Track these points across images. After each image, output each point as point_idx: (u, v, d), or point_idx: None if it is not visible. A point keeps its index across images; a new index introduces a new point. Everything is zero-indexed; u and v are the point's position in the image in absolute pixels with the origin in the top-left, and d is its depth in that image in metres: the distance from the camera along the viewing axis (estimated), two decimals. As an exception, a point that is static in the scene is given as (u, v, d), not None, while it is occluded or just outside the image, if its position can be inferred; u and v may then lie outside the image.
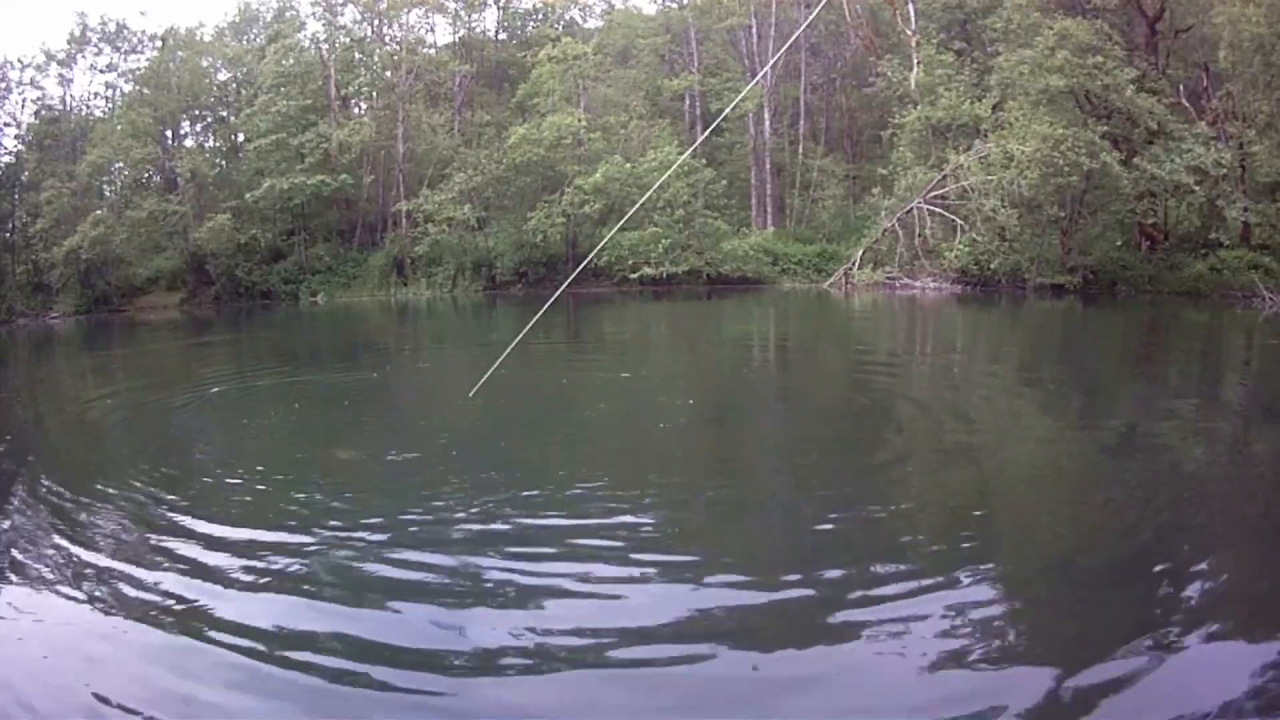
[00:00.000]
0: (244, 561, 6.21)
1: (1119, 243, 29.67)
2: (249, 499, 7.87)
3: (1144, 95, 26.55)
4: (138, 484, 8.37)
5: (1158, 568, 5.71)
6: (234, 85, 43.53)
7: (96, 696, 4.48)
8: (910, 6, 35.71)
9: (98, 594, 5.79)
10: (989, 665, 4.52)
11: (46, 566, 6.38)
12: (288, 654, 4.88)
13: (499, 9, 45.74)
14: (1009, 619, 5.09)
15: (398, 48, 41.74)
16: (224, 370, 18.63)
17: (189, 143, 43.63)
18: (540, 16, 45.55)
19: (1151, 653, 4.56)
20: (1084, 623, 4.98)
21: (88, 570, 6.22)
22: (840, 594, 5.37)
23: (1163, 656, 4.53)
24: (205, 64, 43.40)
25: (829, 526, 6.62)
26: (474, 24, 44.74)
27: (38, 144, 40.36)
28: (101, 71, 42.64)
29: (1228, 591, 5.40)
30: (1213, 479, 7.94)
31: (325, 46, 40.91)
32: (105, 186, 40.72)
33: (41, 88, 41.55)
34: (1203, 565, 5.75)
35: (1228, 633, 4.80)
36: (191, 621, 5.30)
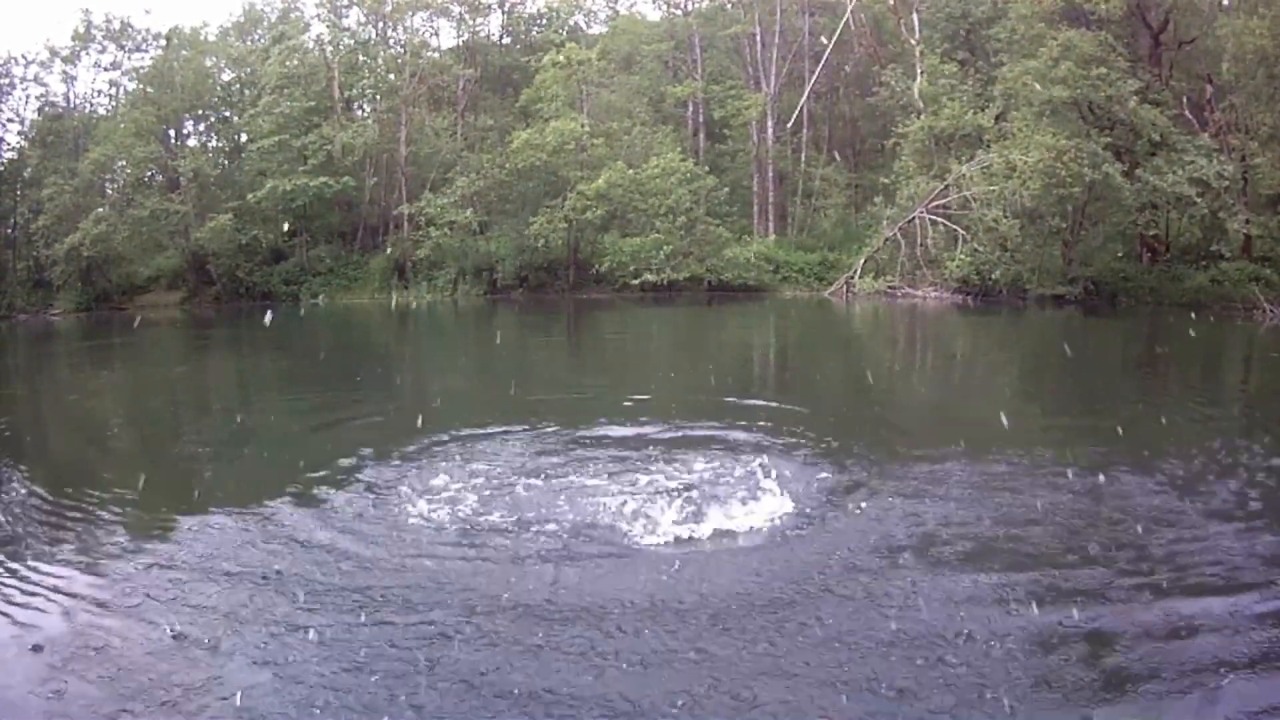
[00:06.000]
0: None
1: (1120, 254, 29.69)
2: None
3: (1147, 107, 26.60)
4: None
5: (1158, 580, 5.65)
6: (237, 85, 43.49)
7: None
8: (914, 16, 35.77)
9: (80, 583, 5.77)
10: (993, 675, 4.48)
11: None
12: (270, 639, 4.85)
13: (503, 14, 45.81)
14: (1011, 627, 5.04)
15: (402, 51, 41.77)
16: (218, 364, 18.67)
17: (192, 142, 43.53)
18: (544, 22, 45.58)
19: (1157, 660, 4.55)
20: (1085, 631, 4.94)
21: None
22: (843, 605, 5.31)
23: (1167, 666, 4.52)
24: (209, 64, 43.37)
25: (831, 539, 6.59)
26: (478, 28, 44.73)
27: (41, 141, 40.35)
28: (105, 69, 42.74)
29: (1232, 599, 5.34)
30: (1215, 490, 7.87)
31: (329, 48, 40.92)
32: (107, 184, 40.63)
33: (45, 84, 41.70)
34: (1206, 573, 5.71)
35: (1232, 640, 4.76)
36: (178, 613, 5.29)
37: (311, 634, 4.94)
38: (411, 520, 6.82)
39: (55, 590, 5.68)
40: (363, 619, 5.15)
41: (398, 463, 8.62)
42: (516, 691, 4.33)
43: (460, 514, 6.92)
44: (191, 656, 4.75)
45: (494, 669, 4.55)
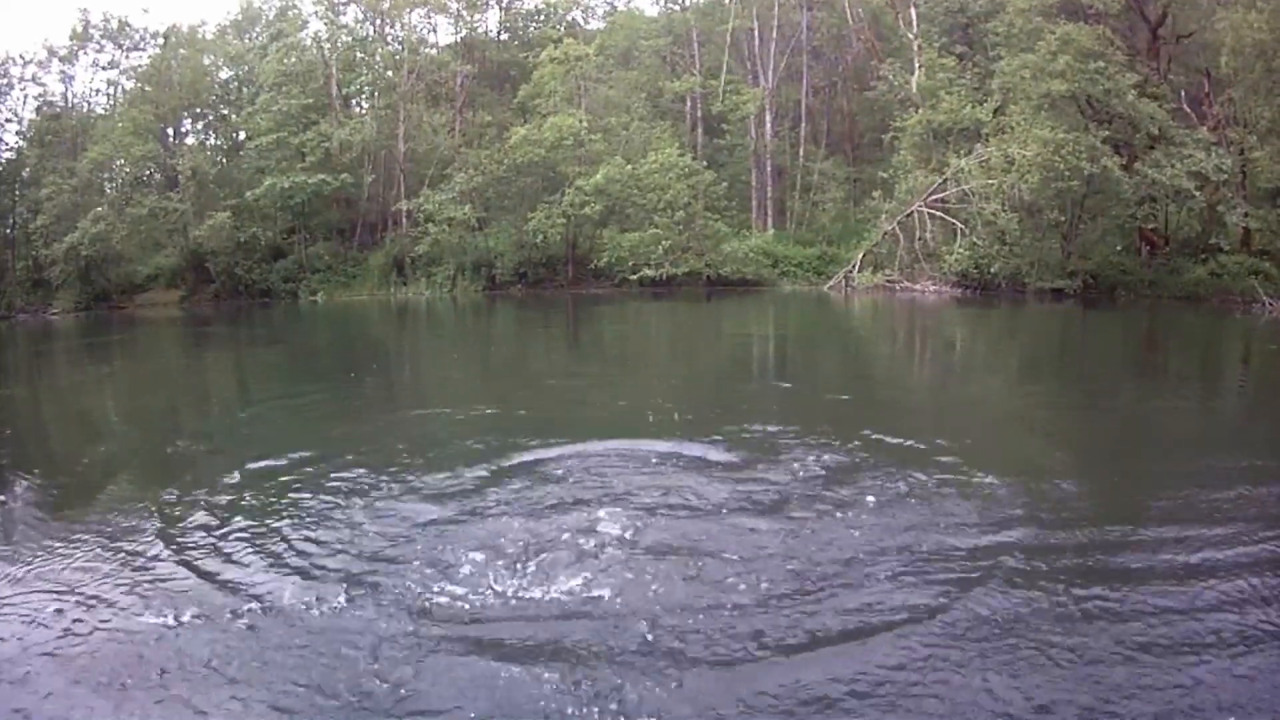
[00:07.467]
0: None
1: (1119, 247, 29.70)
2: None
3: (1145, 100, 26.58)
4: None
5: (1156, 579, 5.66)
6: (235, 83, 43.49)
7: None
8: (912, 10, 35.71)
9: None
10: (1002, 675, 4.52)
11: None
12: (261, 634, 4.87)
13: (501, 10, 45.77)
14: (1010, 627, 5.05)
15: (399, 47, 41.72)
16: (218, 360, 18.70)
17: (190, 140, 43.58)
18: (542, 18, 45.51)
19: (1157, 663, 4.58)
20: (1084, 634, 4.95)
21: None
22: (848, 608, 5.32)
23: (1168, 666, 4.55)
24: (207, 62, 43.37)
25: (838, 539, 6.60)
26: (476, 24, 44.66)
27: (39, 140, 40.32)
28: (103, 68, 42.71)
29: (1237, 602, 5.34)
30: (1218, 488, 7.87)
31: (327, 45, 40.86)
32: (106, 183, 40.57)
33: (43, 84, 41.64)
34: (1207, 575, 5.71)
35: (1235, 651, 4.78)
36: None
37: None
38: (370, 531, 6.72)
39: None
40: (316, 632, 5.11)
41: (378, 467, 8.50)
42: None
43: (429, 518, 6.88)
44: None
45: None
